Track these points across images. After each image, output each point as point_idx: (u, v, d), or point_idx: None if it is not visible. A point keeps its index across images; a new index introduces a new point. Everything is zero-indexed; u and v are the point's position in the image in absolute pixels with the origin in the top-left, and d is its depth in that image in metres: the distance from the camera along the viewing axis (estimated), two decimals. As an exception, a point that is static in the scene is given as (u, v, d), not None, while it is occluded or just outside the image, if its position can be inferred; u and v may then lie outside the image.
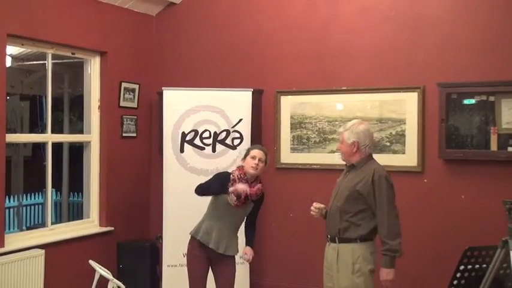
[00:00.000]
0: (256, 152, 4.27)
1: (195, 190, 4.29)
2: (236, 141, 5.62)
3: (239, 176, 4.22)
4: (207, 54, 6.14)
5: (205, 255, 4.25)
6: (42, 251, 4.97)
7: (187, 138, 5.61)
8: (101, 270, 4.61)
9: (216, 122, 5.63)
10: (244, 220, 4.39)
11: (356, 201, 3.68)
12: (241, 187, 4.14)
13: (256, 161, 4.23)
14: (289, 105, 5.74)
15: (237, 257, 4.39)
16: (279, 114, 5.78)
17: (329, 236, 3.83)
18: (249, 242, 4.39)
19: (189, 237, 4.38)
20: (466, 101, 4.89)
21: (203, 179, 5.00)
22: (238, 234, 4.37)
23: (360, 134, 3.74)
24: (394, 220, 3.61)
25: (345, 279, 3.68)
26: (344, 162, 3.92)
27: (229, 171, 4.38)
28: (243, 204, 4.21)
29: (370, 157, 3.80)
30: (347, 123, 3.87)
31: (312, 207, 3.91)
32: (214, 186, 4.26)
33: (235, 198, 4.16)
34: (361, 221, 3.67)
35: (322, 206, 3.91)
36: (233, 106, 5.64)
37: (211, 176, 4.36)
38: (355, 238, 3.68)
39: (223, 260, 4.28)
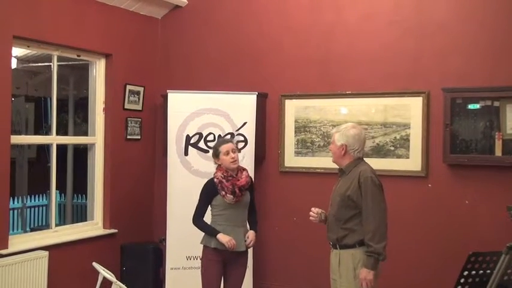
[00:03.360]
0: (227, 147, 4.30)
1: (194, 222, 4.31)
2: (240, 145, 5.61)
3: (223, 176, 4.25)
4: (212, 57, 6.14)
5: (220, 259, 4.27)
6: (46, 253, 4.98)
7: (192, 141, 5.62)
8: (104, 273, 4.61)
9: (220, 125, 5.63)
10: None
11: (348, 207, 3.68)
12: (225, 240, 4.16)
13: (232, 155, 4.27)
14: (294, 109, 5.74)
15: None
16: (283, 117, 5.78)
17: (331, 243, 3.85)
18: (252, 227, 4.42)
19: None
20: (470, 106, 4.88)
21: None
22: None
23: (350, 138, 3.76)
24: (379, 222, 3.58)
25: (347, 284, 3.68)
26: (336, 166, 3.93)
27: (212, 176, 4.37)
28: (241, 196, 4.25)
29: (359, 160, 3.79)
30: (341, 125, 3.89)
31: (311, 213, 3.92)
32: (207, 205, 4.32)
33: (231, 196, 4.20)
34: (357, 226, 3.66)
35: (321, 210, 3.92)
36: (237, 109, 5.64)
37: (200, 196, 4.36)
38: (354, 244, 3.67)
39: (238, 259, 4.32)
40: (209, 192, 4.30)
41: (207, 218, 4.36)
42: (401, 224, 5.03)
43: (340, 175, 3.87)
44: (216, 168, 4.36)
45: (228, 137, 5.56)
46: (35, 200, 8.90)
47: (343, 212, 3.71)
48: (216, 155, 4.33)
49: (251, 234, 4.35)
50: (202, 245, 4.34)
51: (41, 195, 8.89)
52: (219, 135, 5.59)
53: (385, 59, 5.34)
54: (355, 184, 3.66)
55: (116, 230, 5.83)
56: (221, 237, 4.18)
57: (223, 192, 4.22)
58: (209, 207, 4.35)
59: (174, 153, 5.60)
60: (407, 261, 5.16)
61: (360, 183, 3.63)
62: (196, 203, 4.36)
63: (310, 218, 3.93)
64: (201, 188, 4.38)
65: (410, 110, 5.21)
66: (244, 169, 4.39)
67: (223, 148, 4.29)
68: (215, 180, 4.28)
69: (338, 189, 3.80)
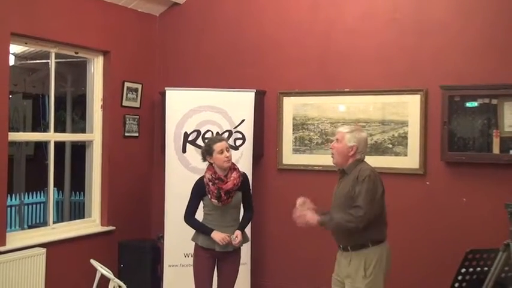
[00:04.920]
0: (221, 145, 4.18)
1: (186, 220, 4.29)
2: (238, 142, 5.62)
3: (210, 178, 4.18)
4: (210, 54, 6.14)
5: (210, 255, 4.26)
6: (44, 250, 4.97)
7: (190, 138, 5.61)
8: (102, 270, 4.61)
9: (218, 123, 5.63)
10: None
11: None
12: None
13: (227, 154, 4.16)
14: (292, 107, 5.74)
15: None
16: (282, 115, 5.78)
17: (341, 246, 3.82)
18: (240, 226, 4.31)
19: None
20: (468, 104, 4.89)
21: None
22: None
23: (361, 141, 3.79)
24: (361, 212, 3.54)
25: (357, 285, 3.65)
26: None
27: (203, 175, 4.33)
28: (229, 199, 4.19)
29: (360, 161, 3.80)
30: (348, 126, 3.91)
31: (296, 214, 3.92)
32: (197, 203, 4.28)
33: (216, 201, 4.15)
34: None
35: (303, 200, 3.91)
36: (236, 107, 5.64)
37: (191, 194, 4.32)
38: (366, 243, 3.66)
39: (228, 257, 4.28)
40: (199, 191, 4.26)
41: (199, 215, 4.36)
42: (399, 222, 5.02)
43: (341, 176, 3.86)
44: (207, 168, 4.29)
45: (226, 134, 5.56)
46: (32, 197, 8.88)
47: None
48: (209, 152, 4.20)
49: (237, 233, 4.22)
50: None
51: (38, 192, 8.87)
52: (217, 133, 5.58)
53: (383, 56, 5.34)
54: (355, 182, 3.66)
55: (113, 227, 5.83)
56: (215, 235, 4.14)
57: (209, 196, 4.19)
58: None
59: (172, 151, 5.60)
60: (405, 258, 5.16)
61: (359, 180, 3.64)
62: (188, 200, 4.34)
63: (299, 224, 3.92)
64: (192, 185, 4.35)
65: (408, 108, 5.22)
66: (235, 168, 4.28)
67: (218, 146, 4.16)
68: (204, 180, 4.23)
69: (340, 191, 3.79)
